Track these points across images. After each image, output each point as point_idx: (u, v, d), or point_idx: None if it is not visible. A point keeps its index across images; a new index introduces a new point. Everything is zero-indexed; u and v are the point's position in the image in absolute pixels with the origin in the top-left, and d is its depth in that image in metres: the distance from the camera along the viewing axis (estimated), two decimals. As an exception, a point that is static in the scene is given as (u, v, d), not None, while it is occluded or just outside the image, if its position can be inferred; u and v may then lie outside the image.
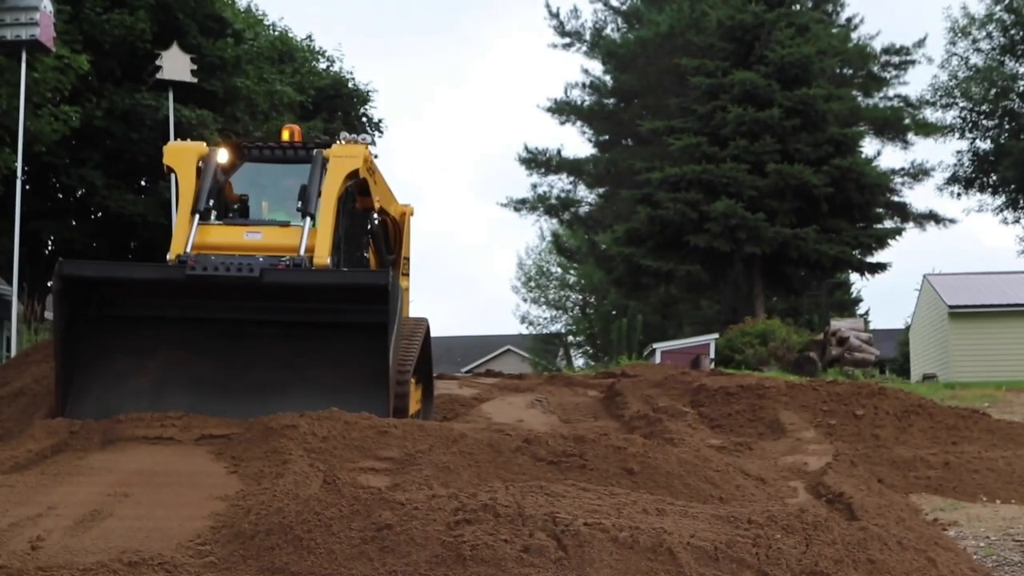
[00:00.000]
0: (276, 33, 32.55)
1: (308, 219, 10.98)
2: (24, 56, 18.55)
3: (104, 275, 10.93)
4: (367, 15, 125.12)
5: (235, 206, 11.96)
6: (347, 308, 10.49)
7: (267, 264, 10.27)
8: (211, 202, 11.28)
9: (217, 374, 10.57)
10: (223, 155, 11.61)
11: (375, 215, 12.77)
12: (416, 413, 12.32)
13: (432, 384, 13.82)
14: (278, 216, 11.73)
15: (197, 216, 11.03)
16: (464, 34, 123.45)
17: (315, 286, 10.55)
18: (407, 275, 14.87)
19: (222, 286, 10.19)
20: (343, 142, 11.83)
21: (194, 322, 10.63)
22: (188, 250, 10.70)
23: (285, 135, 12.42)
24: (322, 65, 34.80)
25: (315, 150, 11.64)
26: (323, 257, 10.77)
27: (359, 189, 12.11)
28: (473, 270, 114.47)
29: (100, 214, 25.22)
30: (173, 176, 12.06)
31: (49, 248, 25.47)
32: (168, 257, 10.79)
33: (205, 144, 11.91)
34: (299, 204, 11.17)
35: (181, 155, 11.60)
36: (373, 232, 13.04)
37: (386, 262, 13.59)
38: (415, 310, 14.44)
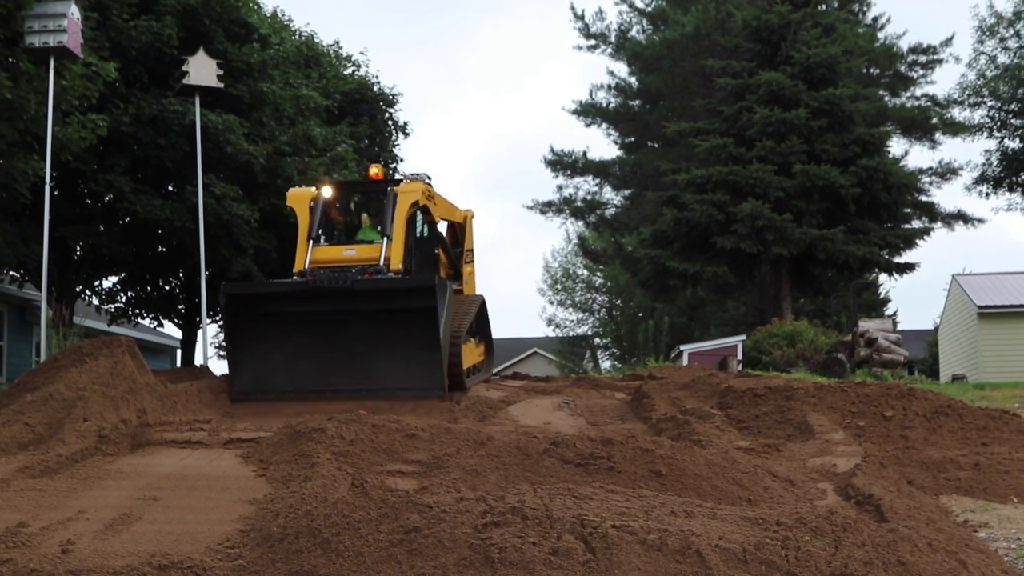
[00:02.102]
0: (302, 38, 32.61)
1: (385, 239, 15.72)
2: (52, 63, 18.65)
3: (254, 292, 16.33)
4: (390, 17, 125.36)
5: (341, 225, 17.23)
6: (412, 301, 14.82)
7: (357, 275, 15.14)
8: (320, 231, 16.42)
9: (328, 349, 15.25)
10: (327, 191, 16.69)
11: (438, 227, 18.22)
12: (479, 364, 18.29)
13: (492, 343, 19.53)
14: (367, 236, 16.72)
15: (311, 241, 16.03)
16: (489, 37, 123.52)
17: (387, 289, 14.93)
18: (471, 263, 20.43)
19: (329, 291, 14.91)
20: (407, 181, 16.57)
21: (313, 316, 15.20)
22: (307, 266, 15.66)
23: (373, 171, 17.50)
24: (348, 70, 34.84)
25: (388, 187, 16.44)
26: (397, 263, 15.53)
27: (423, 211, 16.97)
28: (497, 272, 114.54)
29: (128, 219, 25.29)
30: (294, 212, 16.53)
31: (77, 254, 25.59)
32: (293, 271, 15.86)
33: (314, 188, 16.92)
34: (378, 228, 16.37)
35: (298, 198, 16.56)
36: (440, 238, 18.63)
37: (453, 257, 19.23)
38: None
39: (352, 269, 15.50)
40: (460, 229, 20.03)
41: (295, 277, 15.70)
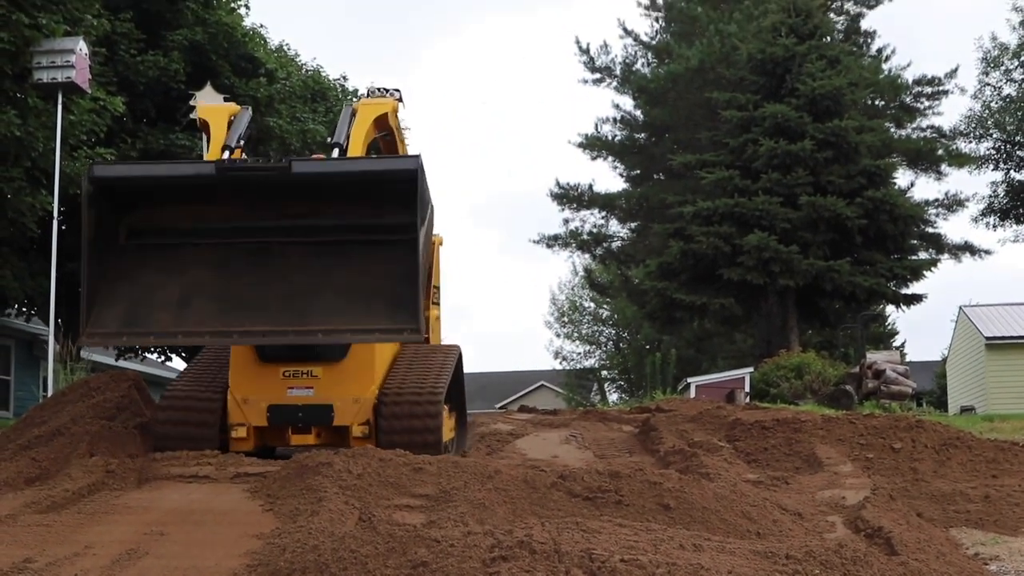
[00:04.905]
0: (309, 72, 32.77)
1: (336, 150, 10.98)
2: (60, 98, 18.77)
3: (137, 175, 10.89)
4: (397, 52, 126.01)
5: None
6: (376, 210, 10.30)
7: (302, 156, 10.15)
8: (242, 142, 11.28)
9: (244, 275, 10.47)
10: (246, 115, 11.80)
11: None
12: (449, 442, 12.45)
13: (466, 413, 14.07)
14: None
15: (228, 152, 10.97)
16: (495, 71, 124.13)
17: (344, 173, 10.37)
18: (438, 304, 14.75)
19: (253, 184, 10.18)
20: (372, 94, 12.14)
21: (225, 232, 10.55)
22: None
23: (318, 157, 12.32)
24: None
25: (344, 104, 11.42)
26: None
27: (386, 144, 12.34)
28: (504, 305, 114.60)
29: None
30: (207, 127, 11.90)
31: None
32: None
33: (237, 105, 12.24)
34: (329, 139, 11.31)
35: (215, 110, 12.10)
36: None
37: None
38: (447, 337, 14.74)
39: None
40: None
41: None
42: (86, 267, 10.16)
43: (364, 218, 10.34)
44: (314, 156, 12.82)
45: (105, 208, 10.29)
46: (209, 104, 12.64)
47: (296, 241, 10.47)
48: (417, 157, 10.15)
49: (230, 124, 11.45)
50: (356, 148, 11.12)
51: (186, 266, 10.46)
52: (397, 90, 12.42)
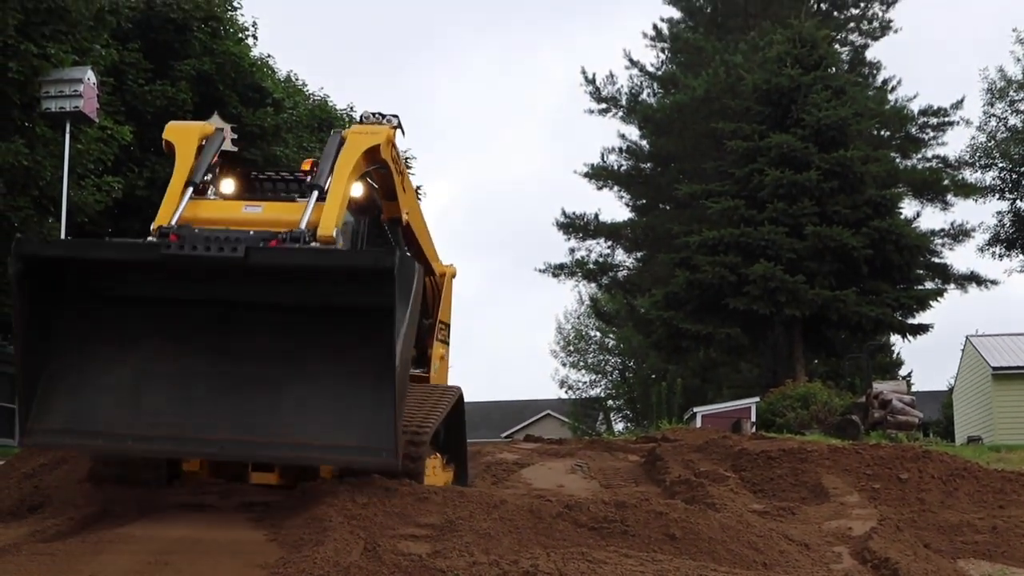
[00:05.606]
0: (316, 102, 32.88)
1: (315, 192, 9.58)
2: (68, 127, 18.86)
3: (69, 256, 9.21)
4: (402, 80, 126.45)
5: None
6: (350, 294, 8.71)
7: (256, 240, 8.82)
8: (209, 176, 10.07)
9: (199, 370, 9.08)
10: (230, 144, 10.48)
11: (402, 238, 11.44)
12: None
13: (466, 463, 12.49)
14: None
15: (191, 189, 9.72)
16: (501, 98, 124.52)
17: (308, 268, 8.88)
18: (445, 342, 13.38)
19: (202, 264, 8.66)
20: (365, 121, 10.47)
21: (176, 309, 9.11)
22: (174, 222, 9.34)
23: (306, 166, 10.86)
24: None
25: (332, 131, 10.31)
26: (328, 228, 9.28)
27: (383, 188, 10.83)
28: (511, 333, 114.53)
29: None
30: (173, 151, 10.20)
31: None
32: (151, 228, 9.30)
33: (210, 126, 10.54)
34: (308, 178, 9.86)
35: (184, 130, 10.29)
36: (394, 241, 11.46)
37: (422, 324, 11.82)
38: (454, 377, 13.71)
39: (249, 232, 9.17)
40: (435, 290, 13.15)
41: (152, 237, 9.30)
42: (21, 355, 8.97)
43: (336, 300, 8.90)
44: (312, 160, 11.10)
45: (40, 289, 8.91)
46: (176, 123, 10.59)
47: (258, 329, 9.15)
48: (394, 253, 8.71)
49: (199, 148, 10.07)
50: (340, 188, 9.69)
51: (134, 355, 9.20)
52: (395, 116, 10.82)
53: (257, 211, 9.85)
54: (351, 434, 8.80)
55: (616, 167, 51.41)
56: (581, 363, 68.79)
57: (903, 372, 56.00)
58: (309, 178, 9.90)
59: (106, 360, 9.14)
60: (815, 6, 49.99)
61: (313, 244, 9.16)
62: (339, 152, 9.94)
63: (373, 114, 10.72)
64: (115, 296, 9.19)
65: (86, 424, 9.03)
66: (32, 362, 8.98)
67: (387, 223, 11.30)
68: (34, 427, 8.97)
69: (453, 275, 13.68)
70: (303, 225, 9.25)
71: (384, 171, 10.59)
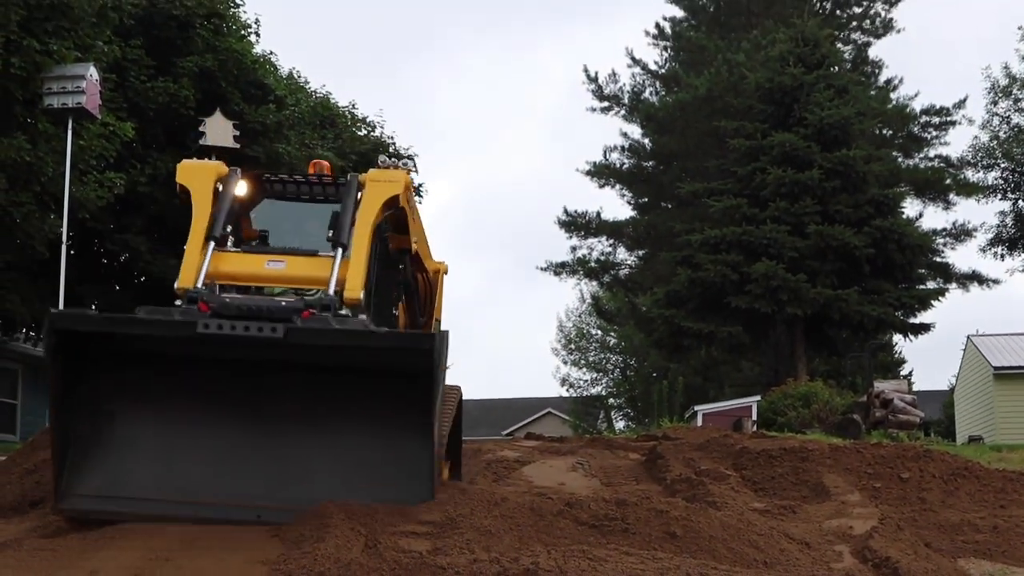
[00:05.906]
0: (318, 99, 32.88)
1: (339, 249, 9.51)
2: (70, 123, 18.87)
3: (104, 330, 9.05)
4: (404, 78, 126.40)
5: (253, 243, 10.58)
6: (390, 362, 8.90)
7: (289, 313, 8.72)
8: (228, 228, 9.89)
9: (232, 433, 9.18)
10: (242, 187, 10.28)
11: (409, 262, 11.60)
12: None
13: (460, 459, 12.60)
14: (305, 246, 10.12)
15: (212, 243, 9.60)
16: (501, 98, 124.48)
17: (349, 348, 8.85)
18: None
19: (237, 341, 8.57)
20: (382, 166, 10.40)
21: (209, 370, 9.10)
22: (200, 283, 9.21)
23: (312, 170, 11.18)
24: (363, 132, 35.07)
25: (349, 175, 10.26)
26: (355, 291, 9.23)
27: (395, 225, 10.81)
28: (512, 332, 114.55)
29: (143, 279, 25.43)
30: (187, 193, 10.04)
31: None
32: (176, 286, 9.24)
33: (224, 165, 10.42)
34: (330, 232, 9.70)
35: (198, 174, 10.10)
36: (406, 283, 11.72)
37: (418, 323, 12.55)
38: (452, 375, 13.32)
39: (280, 303, 9.07)
40: (429, 285, 13.22)
41: (179, 303, 9.09)
42: (56, 427, 9.03)
43: (374, 365, 9.01)
44: (317, 162, 11.52)
45: (72, 360, 8.87)
46: (189, 163, 10.43)
47: (292, 391, 9.23)
48: (433, 336, 9.05)
49: (216, 194, 9.93)
50: (363, 245, 9.56)
51: (168, 422, 9.22)
52: (410, 158, 10.48)
53: (280, 267, 9.76)
54: (388, 492, 8.99)
55: (618, 165, 51.42)
56: (582, 361, 68.83)
57: (904, 371, 56.05)
58: (331, 232, 9.70)
59: (137, 426, 9.18)
60: (818, 5, 49.94)
61: (343, 311, 9.08)
62: (360, 201, 9.87)
63: (390, 156, 10.73)
64: (147, 360, 9.16)
65: (119, 490, 9.05)
66: (63, 426, 8.99)
67: (394, 252, 11.28)
68: (66, 494, 9.02)
69: (445, 272, 13.78)
70: (331, 289, 9.20)
71: (399, 213, 10.53)
